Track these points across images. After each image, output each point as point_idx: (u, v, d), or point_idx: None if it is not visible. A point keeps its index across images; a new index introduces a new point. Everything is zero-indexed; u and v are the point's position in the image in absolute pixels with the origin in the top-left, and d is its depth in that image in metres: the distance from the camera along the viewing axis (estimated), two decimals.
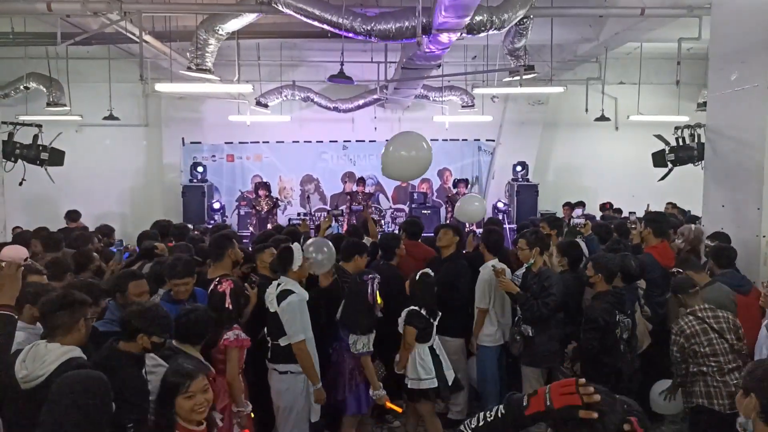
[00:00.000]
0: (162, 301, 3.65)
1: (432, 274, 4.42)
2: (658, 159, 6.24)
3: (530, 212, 11.01)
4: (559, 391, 1.48)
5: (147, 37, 7.04)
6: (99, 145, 11.69)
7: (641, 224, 5.46)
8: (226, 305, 3.63)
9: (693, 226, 5.89)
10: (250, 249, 5.19)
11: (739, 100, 5.38)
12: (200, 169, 11.47)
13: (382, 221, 10.94)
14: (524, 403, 1.52)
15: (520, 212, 11.18)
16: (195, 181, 11.37)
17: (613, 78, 11.43)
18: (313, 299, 4.27)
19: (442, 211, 11.46)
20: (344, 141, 12.56)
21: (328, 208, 12.12)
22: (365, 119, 12.21)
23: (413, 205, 11.40)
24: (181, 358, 2.89)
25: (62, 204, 9.30)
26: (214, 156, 12.34)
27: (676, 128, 6.07)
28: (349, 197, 10.96)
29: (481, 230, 6.60)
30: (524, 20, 6.37)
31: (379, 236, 6.17)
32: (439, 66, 7.66)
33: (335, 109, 11.41)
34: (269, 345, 4.01)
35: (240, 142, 12.33)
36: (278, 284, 3.99)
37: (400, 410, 4.54)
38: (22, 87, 10.02)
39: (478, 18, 5.57)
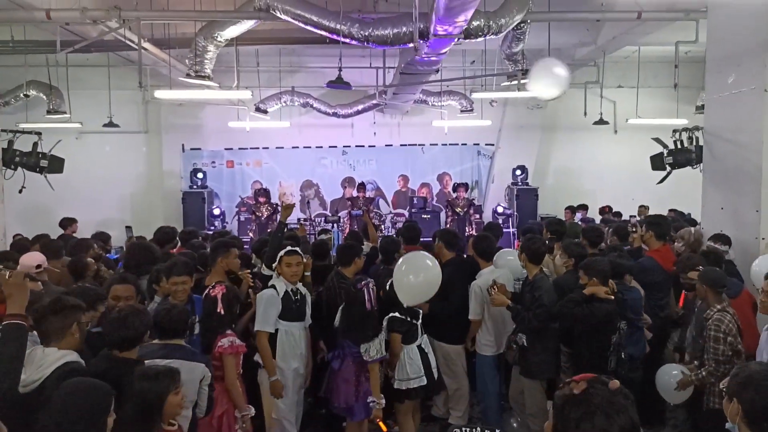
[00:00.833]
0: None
1: None
2: (657, 162, 6.25)
3: (530, 216, 11.02)
4: None
5: (146, 45, 7.07)
6: (99, 152, 11.72)
7: (642, 227, 5.44)
8: (218, 310, 3.65)
9: (693, 228, 5.88)
10: (251, 254, 5.21)
11: (736, 103, 5.39)
12: (200, 175, 11.50)
13: (382, 226, 10.95)
14: None
15: (521, 216, 11.18)
16: (195, 187, 11.39)
17: (611, 82, 11.45)
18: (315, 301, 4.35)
19: (442, 215, 11.47)
20: (344, 146, 12.58)
21: (328, 213, 12.13)
22: (364, 124, 12.24)
23: (413, 210, 11.41)
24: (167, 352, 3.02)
25: (62, 212, 9.29)
26: (213, 162, 12.37)
27: (674, 131, 6.08)
28: (349, 202, 10.97)
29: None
30: (521, 25, 6.39)
31: (379, 241, 6.17)
32: (437, 71, 7.68)
33: (334, 114, 11.44)
34: None
35: (240, 148, 12.36)
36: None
37: (385, 430, 4.52)
38: (22, 95, 10.05)
39: (475, 23, 5.59)
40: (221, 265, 4.30)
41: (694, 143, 6.06)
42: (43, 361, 2.48)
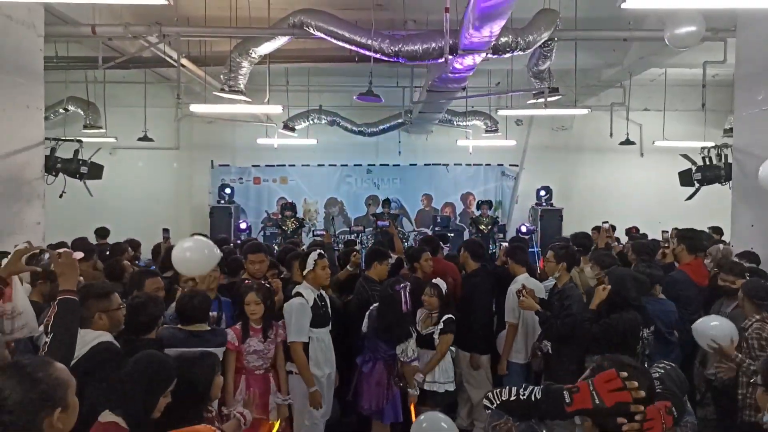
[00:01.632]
0: (169, 320, 3.73)
1: (442, 284, 4.51)
2: (685, 178, 6.24)
3: (554, 236, 10.96)
4: (605, 387, 1.52)
5: (183, 61, 7.33)
6: (132, 167, 12.04)
7: (674, 242, 5.41)
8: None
9: (721, 246, 5.83)
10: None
11: (765, 120, 5.39)
12: (228, 190, 11.73)
13: (405, 244, 10.99)
14: (567, 400, 1.55)
15: (545, 236, 11.13)
16: (222, 202, 11.63)
17: (637, 104, 11.46)
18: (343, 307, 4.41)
19: (466, 234, 11.49)
20: (368, 165, 12.75)
21: (350, 232, 12.24)
22: (389, 143, 12.41)
23: (436, 229, 11.45)
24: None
25: (95, 223, 9.58)
26: (241, 178, 12.62)
27: (703, 148, 6.07)
28: (373, 217, 11.08)
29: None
30: (549, 42, 6.49)
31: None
32: (464, 89, 7.81)
33: (360, 132, 11.63)
34: None
35: (267, 165, 12.61)
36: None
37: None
38: (61, 110, 10.45)
39: (503, 39, 5.71)
40: (247, 269, 4.53)
41: (723, 160, 6.04)
42: (80, 341, 2.60)
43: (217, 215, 11.45)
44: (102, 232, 8.47)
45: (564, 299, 4.28)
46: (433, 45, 5.83)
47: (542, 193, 11.80)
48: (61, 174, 6.25)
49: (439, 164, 12.74)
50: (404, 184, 12.79)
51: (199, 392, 2.56)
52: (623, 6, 3.62)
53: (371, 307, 4.41)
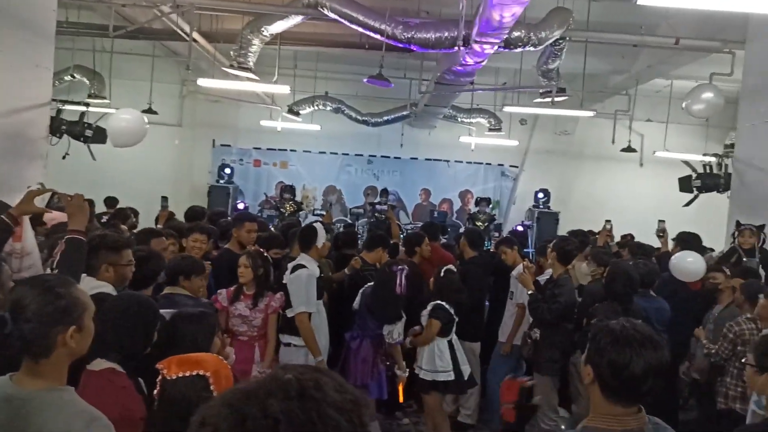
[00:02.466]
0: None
1: (455, 270, 4.54)
2: (685, 184, 6.31)
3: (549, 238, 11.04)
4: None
5: (194, 35, 7.32)
6: None
7: (672, 242, 5.53)
8: None
9: (712, 254, 5.91)
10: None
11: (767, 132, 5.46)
12: (228, 170, 11.73)
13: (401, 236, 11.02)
14: None
15: (540, 239, 11.18)
16: (222, 181, 11.62)
17: (640, 114, 11.52)
18: (340, 285, 4.42)
19: (461, 231, 11.52)
20: (369, 155, 12.77)
21: (348, 220, 12.25)
22: (392, 135, 12.43)
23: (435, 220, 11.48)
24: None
25: (94, 189, 9.54)
26: (242, 160, 12.63)
27: (704, 155, 6.15)
28: (370, 206, 11.11)
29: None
30: (559, 41, 6.53)
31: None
32: (471, 83, 7.84)
33: (364, 122, 11.64)
34: None
35: (268, 149, 12.61)
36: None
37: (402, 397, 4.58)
38: (67, 77, 10.41)
39: (516, 33, 5.74)
40: (236, 237, 4.59)
41: (723, 170, 6.12)
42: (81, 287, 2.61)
43: (216, 194, 11.44)
44: (111, 202, 8.54)
45: (556, 288, 4.37)
46: (446, 34, 5.85)
47: (540, 195, 11.86)
48: (65, 137, 6.23)
49: (440, 160, 12.78)
50: (404, 177, 12.83)
51: (200, 349, 2.57)
52: (639, 2, 3.65)
53: (365, 286, 4.45)
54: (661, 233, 5.95)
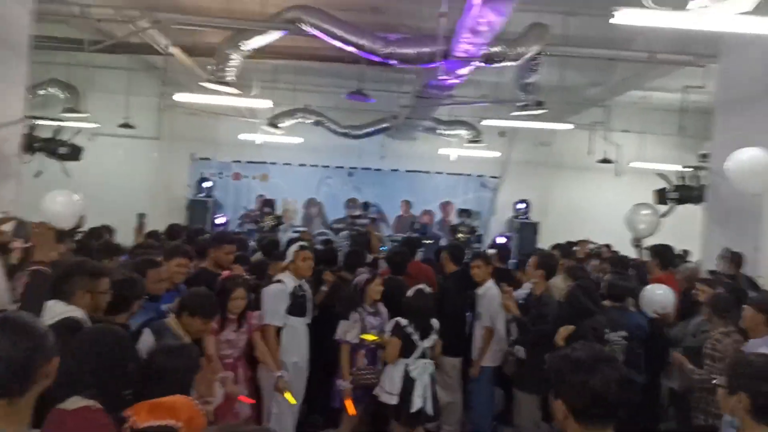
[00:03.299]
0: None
1: (427, 290, 4.41)
2: (660, 196, 6.40)
3: (529, 250, 11.11)
4: None
5: (173, 49, 7.26)
6: (110, 155, 11.82)
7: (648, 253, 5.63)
8: None
9: (690, 265, 6.01)
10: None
11: (742, 145, 5.54)
12: (207, 184, 11.63)
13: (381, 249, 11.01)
14: None
15: (521, 249, 11.27)
16: (201, 195, 11.51)
17: (617, 125, 11.73)
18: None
19: (443, 242, 11.54)
20: (350, 168, 12.75)
21: (328, 233, 12.20)
22: (372, 147, 12.43)
23: (413, 235, 11.48)
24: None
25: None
26: (221, 173, 12.52)
27: (684, 167, 6.26)
28: (350, 218, 11.10)
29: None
30: (537, 56, 6.61)
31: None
32: (451, 97, 7.89)
33: (345, 134, 11.64)
34: None
35: (248, 162, 12.53)
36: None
37: (352, 413, 4.34)
38: (41, 92, 10.22)
39: (494, 48, 5.80)
40: (213, 257, 4.52)
41: (698, 182, 6.22)
42: (49, 311, 2.51)
43: (195, 208, 11.34)
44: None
45: (542, 306, 4.38)
46: (426, 50, 5.89)
47: (520, 206, 11.95)
48: (38, 154, 6.12)
49: (421, 171, 12.81)
50: (385, 189, 12.82)
51: (180, 385, 2.48)
52: (613, 21, 3.71)
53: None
54: (637, 243, 6.03)
